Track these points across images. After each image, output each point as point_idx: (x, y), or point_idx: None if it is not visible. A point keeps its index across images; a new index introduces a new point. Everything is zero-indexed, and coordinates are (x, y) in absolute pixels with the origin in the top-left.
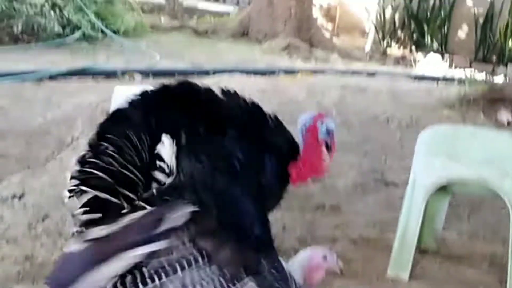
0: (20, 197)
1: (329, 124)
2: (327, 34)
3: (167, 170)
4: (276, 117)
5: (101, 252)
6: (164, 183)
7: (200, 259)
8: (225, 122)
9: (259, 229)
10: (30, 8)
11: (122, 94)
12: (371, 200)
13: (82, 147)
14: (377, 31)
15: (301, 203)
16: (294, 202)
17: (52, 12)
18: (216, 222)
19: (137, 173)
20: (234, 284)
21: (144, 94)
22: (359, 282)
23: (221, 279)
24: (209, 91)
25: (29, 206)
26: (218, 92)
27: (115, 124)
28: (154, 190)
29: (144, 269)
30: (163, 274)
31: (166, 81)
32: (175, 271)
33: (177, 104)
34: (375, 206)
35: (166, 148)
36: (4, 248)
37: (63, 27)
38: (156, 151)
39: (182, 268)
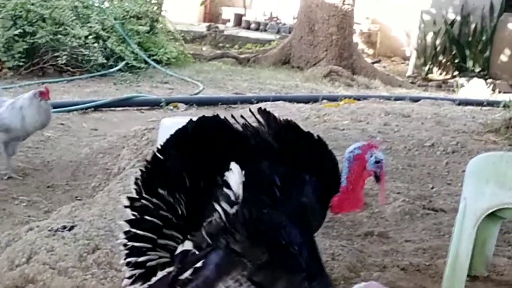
0: (70, 229)
1: (378, 155)
2: (368, 60)
3: (232, 198)
4: (321, 141)
5: None
6: (228, 213)
7: None
8: (260, 148)
9: (309, 257)
10: (74, 40)
11: (168, 126)
12: (420, 227)
13: (129, 180)
14: (418, 56)
15: (349, 231)
16: (342, 230)
17: (95, 44)
18: (268, 257)
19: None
20: None
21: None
22: None
23: None
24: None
25: (79, 238)
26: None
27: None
28: (204, 233)
29: None
30: None
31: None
32: None
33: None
34: (424, 232)
35: (235, 176)
36: (55, 280)
37: (107, 58)
38: (224, 178)
39: None
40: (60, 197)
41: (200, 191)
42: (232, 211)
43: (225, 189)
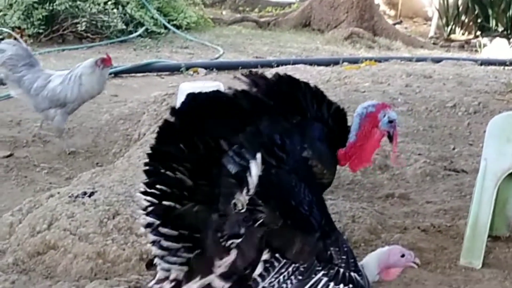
0: (90, 195)
1: (391, 114)
2: (390, 21)
3: (251, 187)
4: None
5: None
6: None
7: (276, 263)
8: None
9: (321, 214)
10: (94, 6)
11: (187, 91)
12: (441, 188)
13: (149, 144)
14: (440, 17)
15: (370, 193)
16: (363, 193)
17: (115, 10)
18: (282, 220)
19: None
20: (311, 278)
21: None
22: (431, 271)
23: (299, 277)
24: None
25: (99, 203)
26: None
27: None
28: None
29: None
30: None
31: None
32: (257, 285)
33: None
34: (445, 194)
35: (257, 166)
36: (76, 246)
37: (126, 24)
38: (249, 165)
39: (263, 279)
40: (81, 164)
41: (206, 162)
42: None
43: (247, 177)
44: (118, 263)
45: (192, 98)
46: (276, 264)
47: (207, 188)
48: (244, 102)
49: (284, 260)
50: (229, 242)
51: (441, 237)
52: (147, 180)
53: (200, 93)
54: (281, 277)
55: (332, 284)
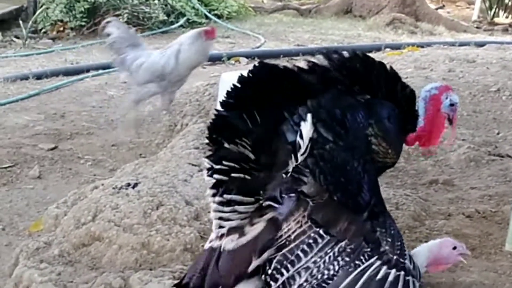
0: (134, 186)
1: (453, 98)
2: (432, 6)
3: (302, 149)
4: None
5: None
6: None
7: (319, 239)
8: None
9: (372, 195)
10: None
11: (228, 81)
12: (485, 174)
13: (192, 135)
14: (483, 0)
15: (413, 179)
16: (406, 179)
17: (156, 1)
18: (328, 195)
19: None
20: (360, 260)
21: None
22: (476, 257)
23: (346, 258)
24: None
25: (143, 194)
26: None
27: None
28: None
29: (271, 266)
30: (289, 266)
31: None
32: (299, 260)
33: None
34: (490, 179)
35: (308, 127)
36: (121, 237)
37: (168, 15)
38: (300, 127)
39: (306, 254)
40: (125, 155)
41: (268, 132)
42: (300, 159)
43: (298, 139)
44: (162, 253)
45: (258, 68)
46: (319, 240)
47: (269, 157)
48: (311, 77)
49: (328, 237)
50: (266, 203)
51: (486, 223)
52: (211, 154)
53: (266, 65)
54: (327, 257)
55: (385, 267)
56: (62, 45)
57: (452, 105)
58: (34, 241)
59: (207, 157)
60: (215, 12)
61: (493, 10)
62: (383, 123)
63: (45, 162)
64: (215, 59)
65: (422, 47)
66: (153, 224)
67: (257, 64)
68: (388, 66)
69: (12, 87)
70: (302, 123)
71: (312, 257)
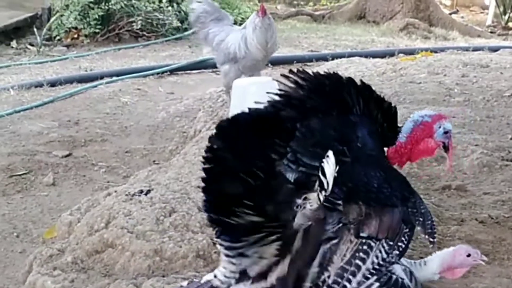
0: (147, 193)
1: (446, 125)
2: (446, 11)
3: (325, 187)
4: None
5: None
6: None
7: (373, 244)
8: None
9: (396, 184)
10: (149, 4)
11: (241, 87)
12: (498, 179)
13: (205, 141)
14: (497, 5)
15: (426, 185)
16: (419, 185)
17: (170, 7)
18: (365, 209)
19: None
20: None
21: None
22: (489, 263)
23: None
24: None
25: (156, 201)
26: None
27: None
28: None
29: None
30: (351, 277)
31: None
32: (359, 267)
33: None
34: (503, 184)
35: (330, 165)
36: (133, 244)
37: (181, 22)
38: (322, 164)
39: (364, 261)
40: (138, 162)
41: (263, 182)
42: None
43: (321, 176)
44: (175, 260)
45: (231, 122)
46: (373, 244)
47: (272, 205)
48: (288, 111)
49: (378, 242)
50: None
51: (499, 228)
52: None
53: (239, 115)
54: (383, 251)
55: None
56: (76, 52)
57: (446, 132)
58: (47, 248)
59: (218, 234)
60: None
61: (507, 15)
62: (365, 139)
63: (59, 169)
64: None
65: (436, 52)
66: (165, 230)
67: (223, 122)
68: (358, 81)
69: (26, 95)
70: (324, 161)
71: (371, 260)
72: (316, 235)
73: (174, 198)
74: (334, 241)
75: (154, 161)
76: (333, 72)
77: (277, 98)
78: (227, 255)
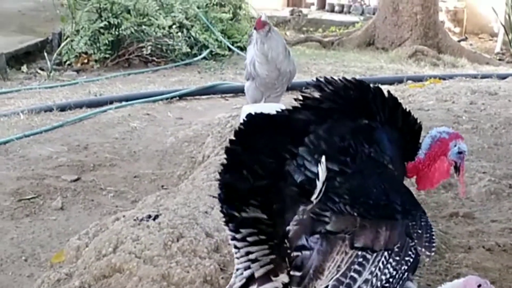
0: (155, 218)
1: (462, 146)
2: (455, 38)
3: (315, 194)
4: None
5: None
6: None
7: (369, 256)
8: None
9: (397, 196)
10: (159, 30)
11: (248, 112)
12: (506, 206)
13: (213, 166)
14: (506, 32)
15: (434, 212)
16: (427, 212)
17: (179, 33)
18: (360, 220)
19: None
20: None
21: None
22: None
23: (396, 258)
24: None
25: (164, 226)
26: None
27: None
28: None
29: None
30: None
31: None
32: (355, 280)
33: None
34: (510, 212)
35: (322, 172)
36: (141, 268)
37: (191, 47)
38: (317, 171)
39: (360, 274)
40: (147, 187)
41: (272, 181)
42: (316, 203)
43: (317, 181)
44: (183, 285)
45: (247, 121)
46: (369, 257)
47: (278, 203)
48: (304, 113)
49: (375, 253)
50: (295, 254)
51: (506, 256)
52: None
53: (255, 115)
54: (380, 264)
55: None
56: (86, 77)
57: (460, 153)
58: (55, 272)
59: (226, 223)
60: (238, 44)
61: None
62: (385, 146)
63: (68, 193)
64: (237, 91)
65: (444, 79)
66: (173, 256)
67: (245, 118)
68: (386, 92)
69: (36, 119)
70: (318, 166)
71: (367, 273)
72: (294, 240)
73: (182, 224)
74: (321, 249)
75: (162, 186)
76: (361, 80)
77: (298, 100)
78: (235, 247)
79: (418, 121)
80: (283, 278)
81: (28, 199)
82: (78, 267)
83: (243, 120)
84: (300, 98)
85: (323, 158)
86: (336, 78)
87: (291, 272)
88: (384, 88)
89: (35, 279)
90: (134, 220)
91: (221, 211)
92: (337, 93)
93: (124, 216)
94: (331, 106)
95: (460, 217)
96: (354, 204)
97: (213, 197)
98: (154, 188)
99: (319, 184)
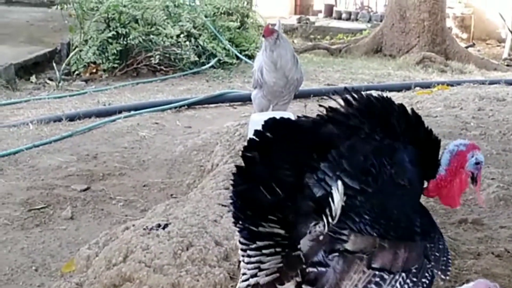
0: (164, 227)
1: (479, 156)
2: (463, 44)
3: (332, 216)
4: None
5: None
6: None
7: (386, 276)
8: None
9: (416, 217)
10: (167, 39)
11: (258, 121)
12: None
13: (222, 175)
14: None
15: (443, 219)
16: (435, 218)
17: (187, 42)
18: (378, 241)
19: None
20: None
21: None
22: None
23: (414, 279)
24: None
25: (173, 235)
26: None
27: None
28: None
29: None
30: None
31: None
32: None
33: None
34: None
35: (339, 194)
36: (151, 277)
37: (199, 56)
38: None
39: None
40: (156, 196)
41: (291, 194)
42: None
43: (330, 202)
44: None
45: (270, 127)
46: (386, 277)
47: (294, 215)
48: (329, 127)
49: (392, 275)
50: (311, 269)
51: None
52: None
53: (278, 121)
54: (398, 284)
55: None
56: (95, 87)
57: (477, 163)
58: (66, 282)
59: (240, 232)
60: (246, 52)
61: None
62: (405, 167)
63: (78, 203)
64: (246, 99)
65: (452, 85)
66: (183, 264)
67: (267, 121)
68: (409, 109)
69: (45, 129)
70: (333, 188)
71: None
72: (310, 256)
73: (192, 232)
74: (338, 268)
75: (171, 195)
76: (386, 97)
77: (324, 112)
78: (243, 255)
79: (438, 138)
80: (289, 286)
81: (38, 209)
82: (89, 276)
83: (264, 124)
84: (327, 109)
85: (340, 183)
86: (362, 93)
87: (303, 286)
88: (393, 94)
89: None
90: (144, 229)
91: (235, 222)
92: (363, 110)
93: (133, 225)
94: (356, 124)
95: (469, 223)
96: (374, 225)
97: (223, 205)
98: (163, 197)
99: (336, 205)
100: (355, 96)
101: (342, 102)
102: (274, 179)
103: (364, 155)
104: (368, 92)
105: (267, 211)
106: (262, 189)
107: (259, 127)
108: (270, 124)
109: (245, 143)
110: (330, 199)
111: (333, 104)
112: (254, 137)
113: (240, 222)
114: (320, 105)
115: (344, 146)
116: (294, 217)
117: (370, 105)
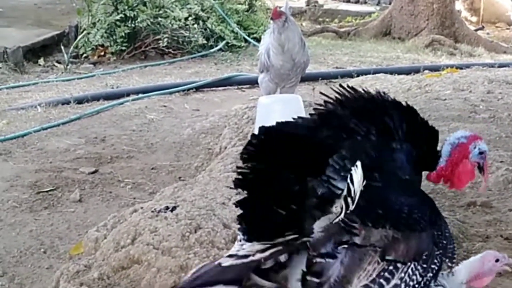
0: (172, 209)
1: (482, 146)
2: (472, 27)
3: (352, 197)
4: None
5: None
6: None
7: (400, 265)
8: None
9: (424, 208)
10: (175, 22)
11: (266, 104)
12: None
13: (230, 158)
14: None
15: (451, 202)
16: (444, 201)
17: (195, 25)
18: (392, 232)
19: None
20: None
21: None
22: None
23: (424, 265)
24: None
25: (181, 218)
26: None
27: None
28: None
29: None
30: None
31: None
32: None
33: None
34: None
35: (358, 174)
36: (159, 260)
37: (207, 39)
38: (351, 173)
39: (388, 281)
40: (164, 178)
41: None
42: (351, 207)
43: (349, 185)
44: None
45: (265, 135)
46: (399, 265)
47: (299, 213)
48: (325, 132)
49: (405, 264)
50: (318, 260)
51: None
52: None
53: (270, 130)
54: (410, 270)
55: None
56: (103, 70)
57: (481, 153)
58: (74, 264)
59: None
60: (254, 35)
61: None
62: (402, 160)
63: (86, 185)
64: (254, 82)
65: (461, 68)
66: (191, 247)
67: (259, 132)
68: (404, 104)
69: (53, 112)
70: (353, 169)
71: (396, 280)
72: (319, 247)
73: (200, 215)
74: (346, 260)
75: (180, 177)
76: (380, 93)
77: (320, 112)
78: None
79: (435, 129)
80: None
81: (47, 191)
82: (97, 258)
83: (257, 133)
84: (320, 110)
85: (359, 163)
86: (355, 91)
87: (308, 277)
88: (401, 77)
89: (54, 271)
90: (152, 211)
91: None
92: (357, 111)
93: (142, 207)
94: (353, 127)
95: (478, 206)
96: (387, 217)
97: (231, 188)
98: (172, 179)
99: (356, 189)
100: (348, 96)
101: (336, 103)
102: (278, 186)
103: (365, 153)
104: (364, 87)
105: (270, 215)
106: (266, 196)
107: (267, 110)
108: (264, 135)
109: (254, 126)
110: (349, 181)
111: (328, 105)
112: (250, 147)
113: (246, 229)
114: (314, 109)
115: (344, 148)
116: (299, 210)
117: (364, 104)
